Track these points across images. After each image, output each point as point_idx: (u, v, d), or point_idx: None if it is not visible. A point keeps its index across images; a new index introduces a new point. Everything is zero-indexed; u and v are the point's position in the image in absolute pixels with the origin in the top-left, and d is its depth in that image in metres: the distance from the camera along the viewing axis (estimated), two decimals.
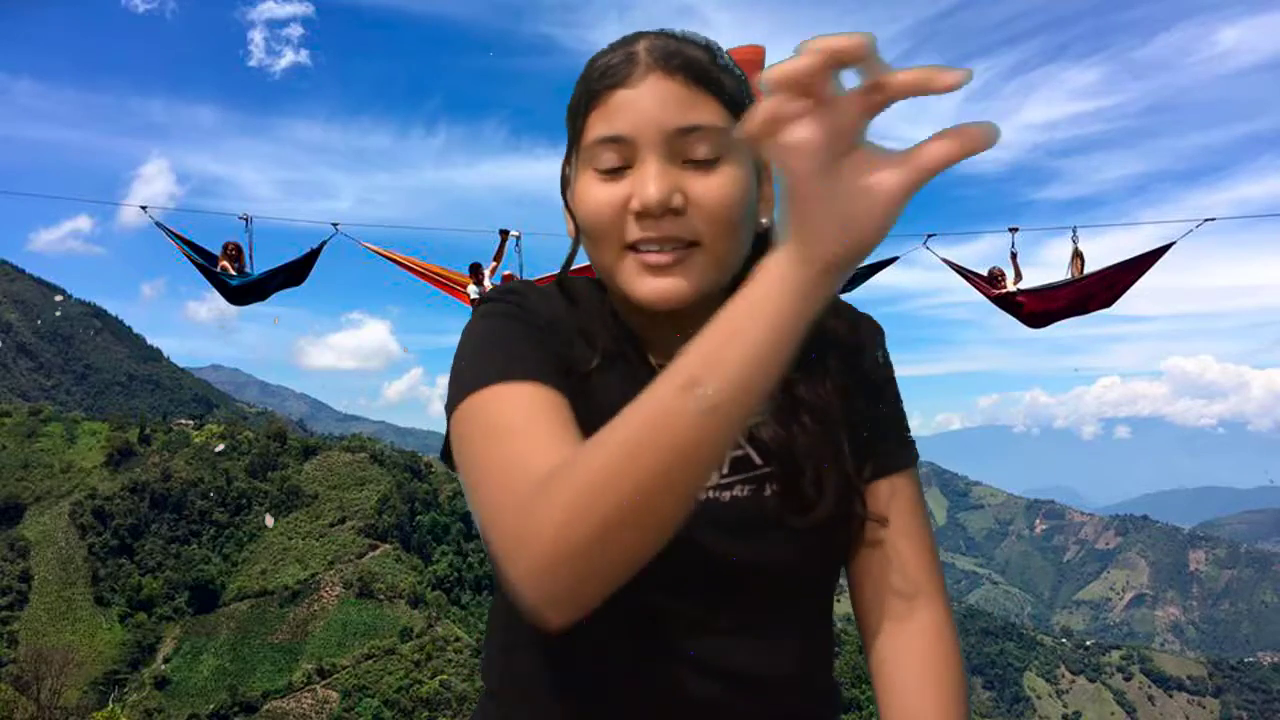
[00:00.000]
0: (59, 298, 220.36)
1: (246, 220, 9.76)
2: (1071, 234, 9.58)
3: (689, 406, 0.60)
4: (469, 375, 0.80)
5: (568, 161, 0.89)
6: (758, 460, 0.88)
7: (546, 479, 0.64)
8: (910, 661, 0.89)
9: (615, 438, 0.62)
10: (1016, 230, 9.63)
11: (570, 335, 0.88)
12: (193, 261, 9.49)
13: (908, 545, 0.92)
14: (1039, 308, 9.54)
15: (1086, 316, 9.56)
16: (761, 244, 0.89)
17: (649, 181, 0.79)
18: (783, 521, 0.85)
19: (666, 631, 0.83)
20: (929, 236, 9.90)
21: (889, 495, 0.92)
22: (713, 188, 0.80)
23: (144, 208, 9.82)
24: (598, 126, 0.82)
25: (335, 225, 9.85)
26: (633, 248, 0.82)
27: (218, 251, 9.57)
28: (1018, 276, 9.60)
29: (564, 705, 0.86)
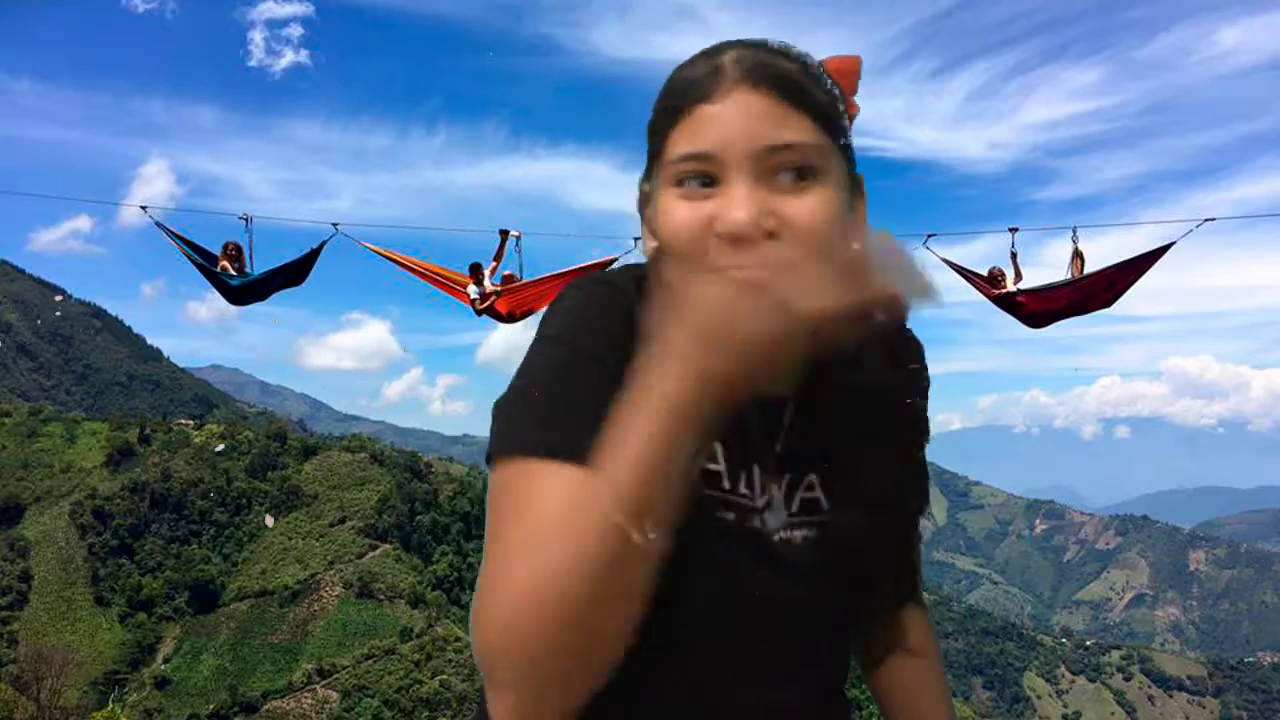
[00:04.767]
0: (59, 298, 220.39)
1: (246, 220, 9.76)
2: (1071, 234, 9.58)
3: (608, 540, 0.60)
4: (518, 423, 0.75)
5: (646, 178, 0.84)
6: (825, 504, 0.86)
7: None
8: (901, 664, 1.03)
9: (546, 560, 0.62)
10: (1016, 230, 9.63)
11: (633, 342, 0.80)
12: (193, 261, 9.49)
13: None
14: (1039, 308, 9.54)
15: (1086, 316, 9.56)
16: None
17: (736, 205, 0.74)
18: (839, 564, 0.84)
19: (726, 667, 0.81)
20: (929, 236, 9.90)
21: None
22: (807, 209, 0.75)
23: (144, 208, 9.82)
24: (680, 143, 0.78)
25: (335, 225, 9.84)
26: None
27: (218, 251, 9.57)
28: (1018, 276, 9.59)
29: None
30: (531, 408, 0.75)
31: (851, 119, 0.86)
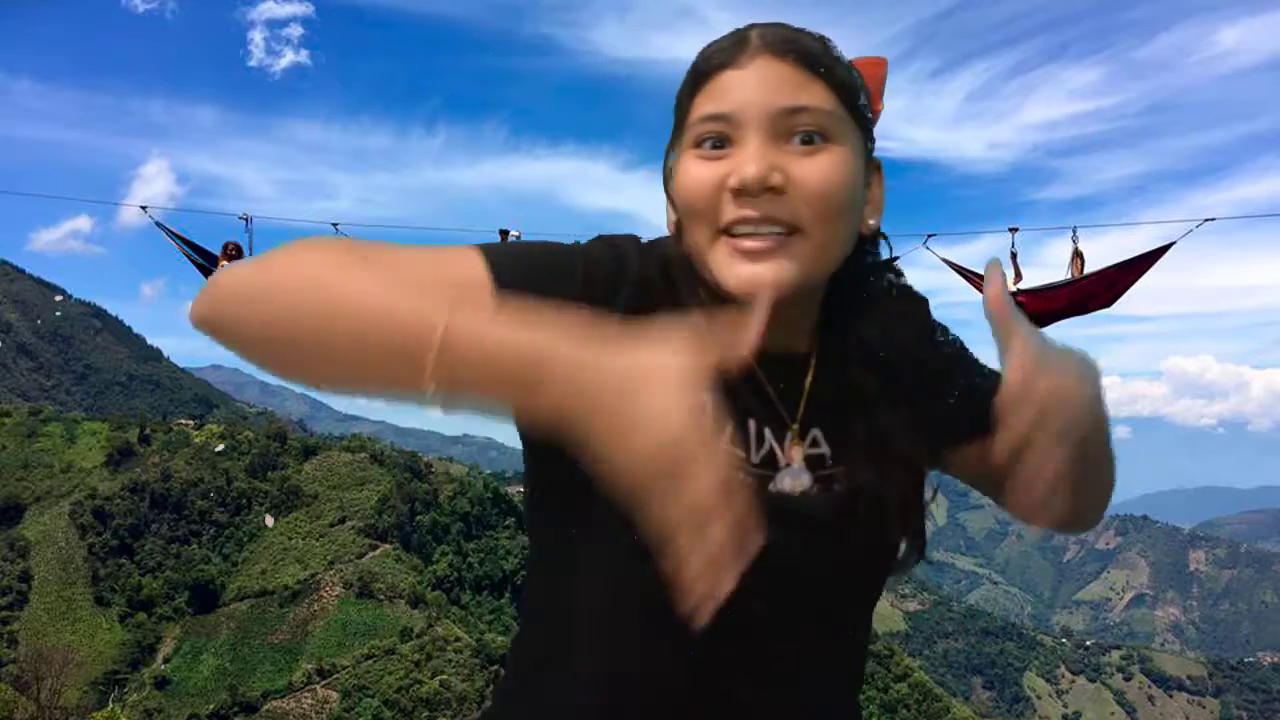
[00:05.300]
0: (59, 298, 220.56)
1: (246, 220, 9.77)
2: (1071, 234, 9.57)
3: (416, 354, 0.61)
4: (502, 246, 0.79)
5: (670, 151, 0.88)
6: (831, 461, 0.87)
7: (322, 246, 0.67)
8: None
9: (343, 291, 0.63)
10: (1016, 230, 9.63)
11: (654, 299, 0.84)
12: (193, 261, 9.51)
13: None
14: (1039, 308, 9.54)
15: (1086, 316, 9.56)
16: (861, 248, 0.89)
17: (748, 159, 0.77)
18: (849, 521, 0.85)
19: (714, 626, 0.76)
20: (929, 236, 9.89)
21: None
22: (816, 169, 0.78)
23: (144, 208, 9.84)
24: (702, 106, 0.81)
25: (335, 225, 9.87)
26: (727, 231, 0.79)
27: (218, 251, 9.58)
28: (1018, 276, 9.59)
29: (601, 700, 0.84)
30: (513, 248, 0.80)
31: (876, 117, 0.88)
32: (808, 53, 0.80)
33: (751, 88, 0.79)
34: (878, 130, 0.83)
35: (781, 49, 0.80)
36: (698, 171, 0.80)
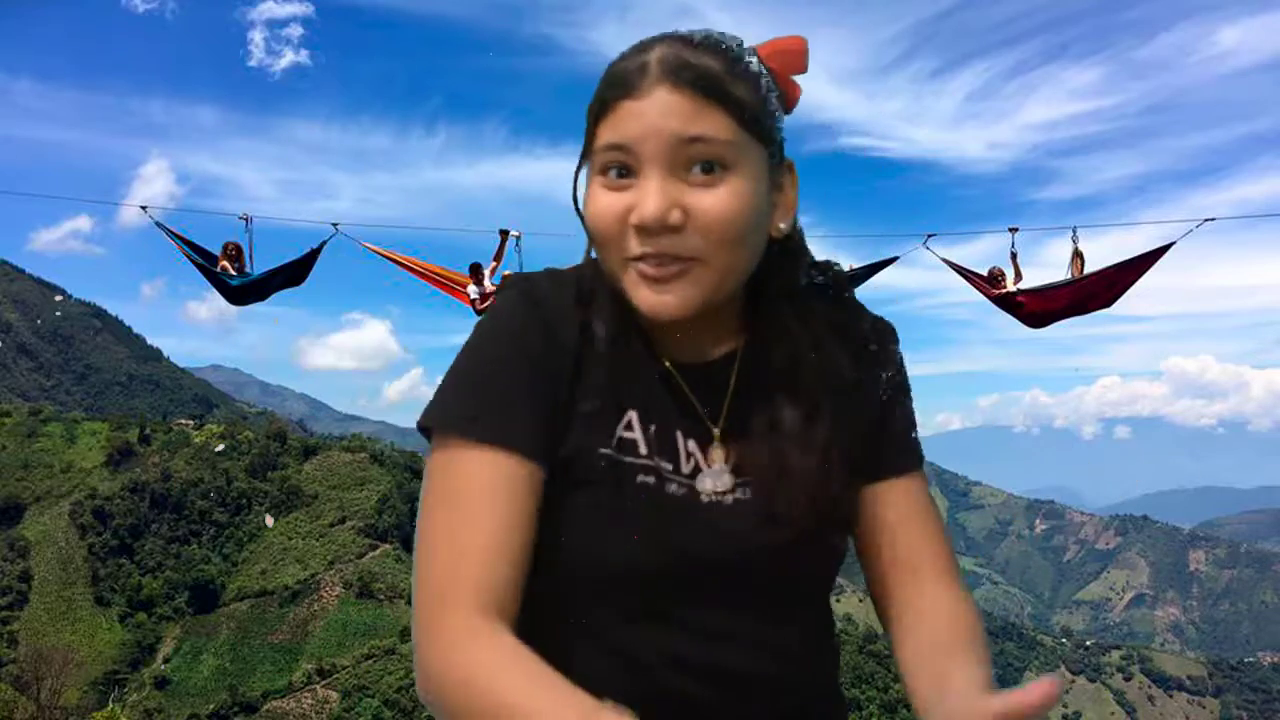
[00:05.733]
0: (59, 298, 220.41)
1: (246, 220, 9.77)
2: (1071, 234, 9.59)
3: None
4: (451, 402, 0.85)
5: (579, 170, 0.89)
6: (757, 471, 0.89)
7: (462, 630, 0.77)
8: (926, 633, 0.88)
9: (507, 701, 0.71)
10: (1016, 230, 9.64)
11: (578, 323, 0.89)
12: (193, 261, 9.50)
13: (914, 542, 0.93)
14: (1039, 308, 9.55)
15: (1086, 316, 9.57)
16: (776, 248, 0.90)
17: (648, 197, 0.80)
18: (773, 526, 0.87)
19: (664, 632, 0.84)
20: (929, 236, 9.90)
21: (893, 498, 0.93)
22: (713, 202, 0.80)
23: (144, 208, 9.84)
24: (604, 134, 0.83)
25: (335, 225, 9.86)
26: (634, 258, 0.83)
27: (218, 251, 9.58)
28: (1018, 276, 9.60)
29: None
30: (471, 389, 0.85)
31: (794, 102, 0.90)
32: (706, 78, 0.80)
33: (649, 120, 0.80)
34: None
35: (678, 78, 0.80)
36: (603, 200, 0.83)
